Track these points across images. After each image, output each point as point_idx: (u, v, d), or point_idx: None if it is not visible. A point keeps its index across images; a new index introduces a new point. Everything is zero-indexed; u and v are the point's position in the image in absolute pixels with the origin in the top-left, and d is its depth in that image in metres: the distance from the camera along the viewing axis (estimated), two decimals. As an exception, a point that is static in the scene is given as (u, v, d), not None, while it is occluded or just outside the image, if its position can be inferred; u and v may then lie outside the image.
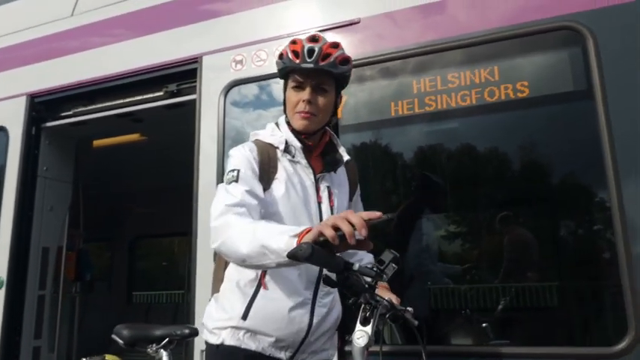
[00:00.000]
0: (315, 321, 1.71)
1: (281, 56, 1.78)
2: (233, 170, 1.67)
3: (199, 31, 3.11)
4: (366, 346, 1.36)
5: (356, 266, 1.37)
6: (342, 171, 1.90)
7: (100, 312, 5.95)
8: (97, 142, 4.56)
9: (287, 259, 1.30)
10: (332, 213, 1.76)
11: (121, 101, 3.37)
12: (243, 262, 1.51)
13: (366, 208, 2.00)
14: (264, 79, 2.84)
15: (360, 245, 1.33)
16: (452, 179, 2.64)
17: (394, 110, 2.58)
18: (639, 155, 2.09)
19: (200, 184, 2.85)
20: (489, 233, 2.68)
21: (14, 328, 3.41)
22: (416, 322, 1.59)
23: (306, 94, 1.72)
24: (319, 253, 1.26)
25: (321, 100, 1.74)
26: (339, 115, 2.60)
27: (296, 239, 1.33)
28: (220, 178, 2.67)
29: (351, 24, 2.70)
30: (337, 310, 1.84)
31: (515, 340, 2.53)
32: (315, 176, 1.78)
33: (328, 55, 1.70)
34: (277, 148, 1.77)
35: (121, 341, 2.23)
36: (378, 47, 2.63)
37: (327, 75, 1.72)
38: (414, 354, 1.66)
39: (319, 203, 1.77)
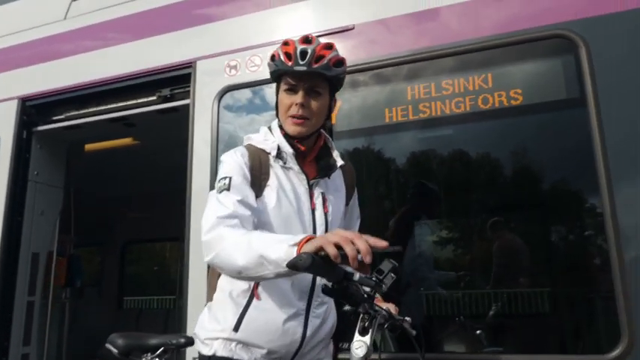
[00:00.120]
0: (308, 333, 1.68)
1: (273, 58, 1.72)
2: (225, 178, 1.62)
3: (193, 36, 3.10)
4: (365, 357, 1.34)
5: (356, 276, 1.33)
6: (337, 175, 1.84)
7: (90, 317, 5.89)
8: (88, 146, 4.53)
9: (286, 268, 1.27)
10: (326, 220, 1.73)
11: (114, 105, 3.35)
12: (239, 275, 1.46)
13: (360, 214, 1.99)
14: (258, 85, 2.83)
15: (358, 267, 1.28)
16: (446, 186, 2.64)
17: (388, 117, 2.59)
18: (631, 162, 2.11)
19: (193, 189, 2.83)
20: (485, 240, 2.68)
21: (2, 334, 3.36)
22: (414, 332, 1.58)
23: (298, 97, 1.67)
24: (319, 263, 1.24)
25: (314, 103, 1.68)
26: (333, 120, 2.60)
27: (295, 248, 1.30)
28: (213, 184, 2.65)
29: (345, 30, 2.70)
30: (332, 320, 1.81)
31: (507, 348, 2.53)
32: (308, 182, 1.74)
33: (322, 57, 1.64)
34: (269, 153, 1.72)
35: (115, 350, 2.20)
36: (372, 54, 2.63)
37: (320, 77, 1.67)
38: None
39: (313, 210, 1.72)
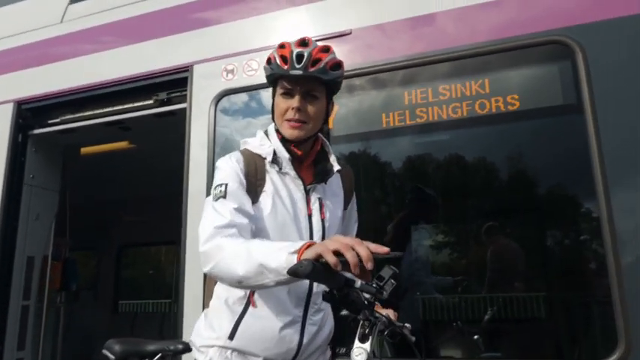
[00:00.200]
0: (305, 340, 1.66)
1: (269, 61, 1.69)
2: (220, 185, 1.60)
3: (190, 40, 3.10)
4: None
5: (357, 283, 1.31)
6: (335, 180, 1.81)
7: (85, 321, 5.85)
8: (84, 150, 4.50)
9: (287, 276, 1.25)
10: (323, 225, 1.71)
11: (111, 109, 3.34)
12: (240, 284, 1.44)
13: (358, 219, 1.98)
14: (255, 89, 2.83)
15: (359, 274, 1.26)
16: (444, 191, 2.64)
17: (385, 121, 2.58)
18: (628, 167, 2.12)
19: (189, 193, 2.82)
20: (482, 244, 2.67)
21: (-3, 339, 3.34)
22: (414, 339, 1.57)
23: (295, 101, 1.63)
24: (320, 270, 1.23)
25: (310, 107, 1.64)
26: (330, 125, 2.60)
27: (296, 255, 1.28)
28: (210, 188, 2.64)
29: (342, 35, 2.70)
30: (329, 327, 1.79)
31: (504, 353, 2.52)
32: (305, 188, 1.70)
33: (318, 61, 1.60)
34: (265, 159, 1.69)
35: (112, 356, 2.18)
36: (369, 58, 2.63)
37: (317, 81, 1.63)
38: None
39: (309, 216, 1.70)
